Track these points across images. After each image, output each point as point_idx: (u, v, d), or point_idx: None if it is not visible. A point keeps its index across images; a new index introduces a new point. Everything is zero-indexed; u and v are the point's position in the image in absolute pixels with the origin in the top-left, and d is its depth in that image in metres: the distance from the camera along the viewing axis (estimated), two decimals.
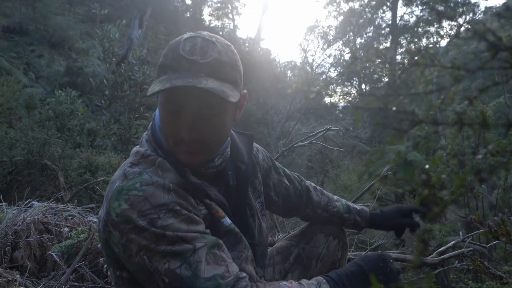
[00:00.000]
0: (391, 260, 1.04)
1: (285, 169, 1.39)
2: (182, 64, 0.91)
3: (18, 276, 1.87)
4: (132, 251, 0.87)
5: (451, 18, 0.47)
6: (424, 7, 21.78)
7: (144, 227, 0.85)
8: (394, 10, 24.84)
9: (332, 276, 0.97)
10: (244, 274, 0.91)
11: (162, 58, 0.96)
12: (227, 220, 1.00)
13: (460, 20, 0.47)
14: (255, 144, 1.27)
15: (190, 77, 0.88)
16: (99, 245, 2.11)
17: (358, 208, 1.44)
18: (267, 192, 1.28)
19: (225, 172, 1.09)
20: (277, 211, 1.40)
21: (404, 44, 24.57)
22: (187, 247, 0.86)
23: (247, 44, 23.52)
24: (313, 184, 1.45)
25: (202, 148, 0.96)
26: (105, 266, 2.01)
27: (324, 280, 0.95)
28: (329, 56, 24.75)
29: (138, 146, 1.04)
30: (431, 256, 2.16)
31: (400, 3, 24.48)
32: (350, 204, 1.45)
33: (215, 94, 0.88)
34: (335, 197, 1.45)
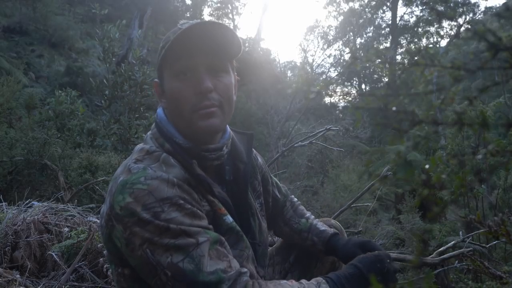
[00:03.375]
0: (388, 260, 1.03)
1: (276, 180, 1.40)
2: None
3: (18, 276, 1.87)
4: (135, 244, 0.87)
5: (451, 18, 0.47)
6: (424, 7, 21.78)
7: (148, 220, 0.86)
8: (394, 10, 24.83)
9: (331, 277, 0.97)
10: (246, 270, 0.92)
11: (162, 42, 1.02)
12: (229, 218, 1.01)
13: (460, 20, 0.47)
14: (253, 150, 1.28)
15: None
16: (99, 245, 2.11)
17: (322, 229, 1.29)
18: (266, 198, 1.29)
19: (223, 166, 1.11)
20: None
21: (404, 44, 24.58)
22: (190, 241, 0.87)
23: (247, 44, 23.53)
24: (294, 200, 1.42)
25: (216, 109, 0.99)
26: (105, 266, 2.01)
27: (323, 281, 0.96)
28: (329, 56, 24.70)
29: (142, 144, 1.06)
30: (431, 256, 2.16)
31: (400, 3, 24.49)
32: (319, 225, 1.31)
33: (225, 25, 0.96)
34: (308, 215, 1.36)
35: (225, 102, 1.01)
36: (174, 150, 0.99)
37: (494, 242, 2.71)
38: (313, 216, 1.37)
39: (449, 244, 2.31)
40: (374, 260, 1.02)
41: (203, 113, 0.98)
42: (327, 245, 1.25)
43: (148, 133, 1.08)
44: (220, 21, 1.00)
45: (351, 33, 25.34)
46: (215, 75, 0.99)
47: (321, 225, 1.30)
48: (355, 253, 1.13)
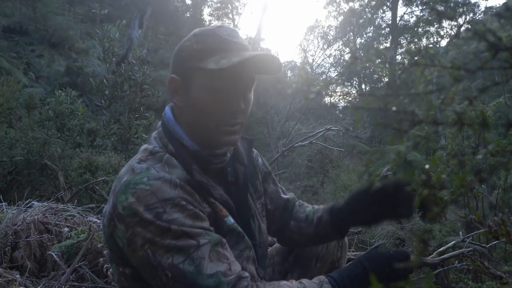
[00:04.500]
0: (401, 261, 0.96)
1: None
2: (230, 45, 0.99)
3: (18, 276, 1.87)
4: (137, 244, 0.88)
5: (451, 18, 0.47)
6: (424, 7, 21.79)
7: (150, 220, 0.86)
8: (394, 10, 24.84)
9: (334, 277, 0.95)
10: (247, 274, 0.91)
11: (198, 44, 1.00)
12: (230, 220, 1.01)
13: (460, 20, 0.47)
14: (254, 150, 1.28)
15: (247, 53, 0.99)
16: (99, 245, 2.11)
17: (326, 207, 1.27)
18: (264, 200, 1.27)
19: (225, 168, 1.11)
20: (272, 227, 1.30)
21: (404, 44, 24.59)
22: (191, 242, 0.87)
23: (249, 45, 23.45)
24: (302, 202, 1.40)
25: (239, 126, 1.03)
26: (105, 266, 2.01)
27: (326, 280, 0.94)
28: (329, 56, 24.70)
29: (147, 144, 1.07)
30: (431, 256, 2.16)
31: (400, 3, 24.50)
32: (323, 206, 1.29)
33: (276, 58, 0.99)
34: (313, 206, 1.35)
35: (245, 118, 1.05)
36: (176, 152, 1.00)
37: (494, 242, 2.71)
38: (318, 206, 1.34)
39: (449, 244, 2.31)
40: (384, 263, 0.97)
41: (229, 130, 1.01)
42: (331, 211, 1.20)
43: (154, 132, 1.09)
44: (273, 54, 1.02)
45: (351, 33, 25.33)
46: (246, 95, 1.03)
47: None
48: (362, 200, 1.09)
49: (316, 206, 1.33)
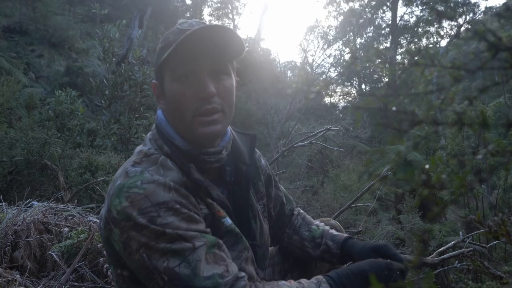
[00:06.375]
0: (398, 272, 0.98)
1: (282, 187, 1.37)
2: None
3: (18, 276, 1.87)
4: (132, 248, 0.87)
5: (451, 18, 0.47)
6: (424, 7, 21.81)
7: (144, 224, 0.86)
8: (394, 10, 24.86)
9: (332, 276, 0.96)
10: (243, 274, 0.91)
11: (162, 42, 1.02)
12: (228, 220, 1.01)
13: (460, 20, 0.47)
14: (257, 151, 1.26)
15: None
16: (99, 245, 2.11)
17: (335, 233, 1.27)
18: (267, 203, 1.26)
19: (223, 168, 1.10)
20: (270, 230, 1.27)
21: (404, 44, 24.61)
22: (186, 245, 0.87)
23: (247, 44, 23.53)
24: (301, 211, 1.40)
25: (219, 115, 0.99)
26: (105, 266, 2.01)
27: (324, 280, 0.95)
28: (329, 56, 24.77)
29: (141, 145, 1.06)
30: (431, 256, 2.16)
31: (400, 3, 24.51)
32: (332, 230, 1.29)
33: (227, 28, 0.95)
34: (317, 222, 1.34)
35: (226, 106, 1.00)
36: (172, 153, 0.99)
37: (494, 242, 2.71)
38: (322, 224, 1.33)
39: (449, 244, 2.31)
40: (384, 267, 0.99)
41: (205, 120, 0.97)
42: (343, 247, 1.20)
43: (148, 134, 1.08)
44: (221, 24, 1.00)
45: (351, 33, 25.35)
46: (217, 78, 0.99)
47: (333, 231, 1.29)
48: (370, 258, 1.09)
49: (320, 225, 1.31)
